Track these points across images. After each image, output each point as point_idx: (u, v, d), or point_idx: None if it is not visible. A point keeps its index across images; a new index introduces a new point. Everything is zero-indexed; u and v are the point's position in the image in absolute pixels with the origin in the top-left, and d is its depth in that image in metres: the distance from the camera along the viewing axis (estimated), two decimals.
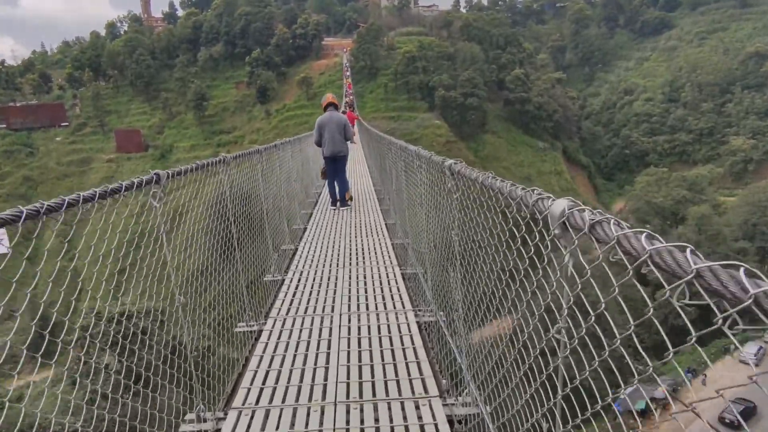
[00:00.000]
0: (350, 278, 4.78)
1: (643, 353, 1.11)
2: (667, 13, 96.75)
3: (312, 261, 5.43)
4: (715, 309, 0.70)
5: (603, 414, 1.38)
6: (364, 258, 5.38)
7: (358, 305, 4.09)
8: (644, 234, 0.92)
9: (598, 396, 1.25)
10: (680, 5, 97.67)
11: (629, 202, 50.88)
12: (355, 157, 17.27)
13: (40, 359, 1.58)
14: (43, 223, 1.56)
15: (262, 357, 3.24)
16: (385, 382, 2.87)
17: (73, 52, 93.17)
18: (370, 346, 3.38)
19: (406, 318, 3.73)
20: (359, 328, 3.66)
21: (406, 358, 3.14)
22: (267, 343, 3.49)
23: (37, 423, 2.02)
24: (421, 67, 67.25)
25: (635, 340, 1.03)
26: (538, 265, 1.56)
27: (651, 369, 1.02)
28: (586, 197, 65.27)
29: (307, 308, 4.10)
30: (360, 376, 2.95)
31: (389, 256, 5.45)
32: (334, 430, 2.50)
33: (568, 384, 1.41)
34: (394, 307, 4.07)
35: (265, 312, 4.24)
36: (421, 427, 2.48)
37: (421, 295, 4.24)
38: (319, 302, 4.21)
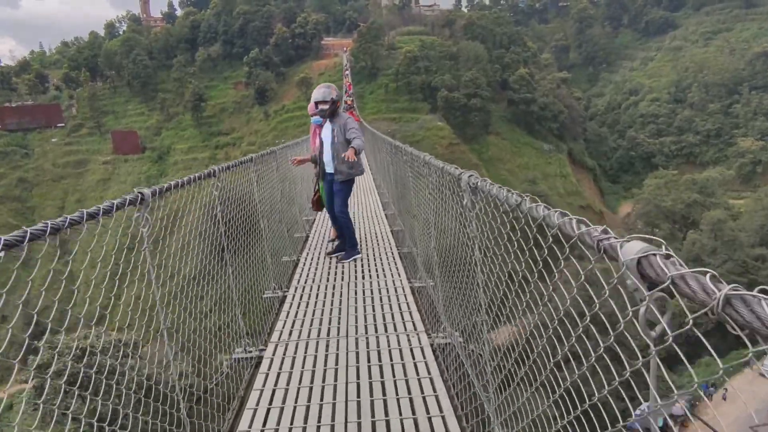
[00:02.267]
0: None
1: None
2: (672, 13, 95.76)
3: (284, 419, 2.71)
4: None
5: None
6: (384, 391, 2.84)
7: None
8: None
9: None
10: (684, 5, 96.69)
11: (637, 206, 49.59)
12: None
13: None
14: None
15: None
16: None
17: (71, 52, 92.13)
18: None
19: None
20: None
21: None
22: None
23: None
24: (423, 67, 65.94)
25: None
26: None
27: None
28: (592, 200, 64.08)
29: None
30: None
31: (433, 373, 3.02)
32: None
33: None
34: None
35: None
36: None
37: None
38: None
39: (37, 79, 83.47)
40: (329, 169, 5.42)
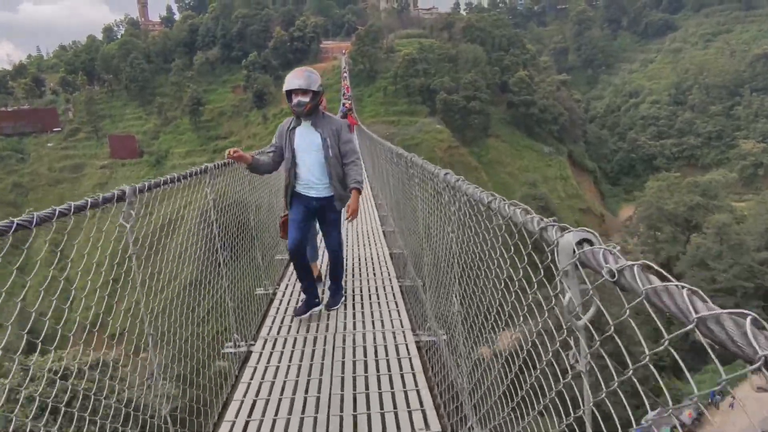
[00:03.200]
0: None
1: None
2: (671, 15, 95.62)
3: None
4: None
5: None
6: None
7: None
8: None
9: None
10: (683, 7, 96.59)
11: (639, 209, 49.15)
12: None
13: None
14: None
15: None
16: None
17: (68, 55, 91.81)
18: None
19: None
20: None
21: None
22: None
23: None
24: (422, 69, 65.57)
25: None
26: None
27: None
28: (592, 203, 63.60)
29: None
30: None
31: None
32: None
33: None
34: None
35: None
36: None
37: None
38: None
39: (34, 83, 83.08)
40: (318, 191, 3.69)
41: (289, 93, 3.58)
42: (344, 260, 4.28)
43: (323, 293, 4.27)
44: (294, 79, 3.54)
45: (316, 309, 3.90)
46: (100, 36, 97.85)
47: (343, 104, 35.50)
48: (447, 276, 2.76)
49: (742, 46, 76.63)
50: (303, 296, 3.99)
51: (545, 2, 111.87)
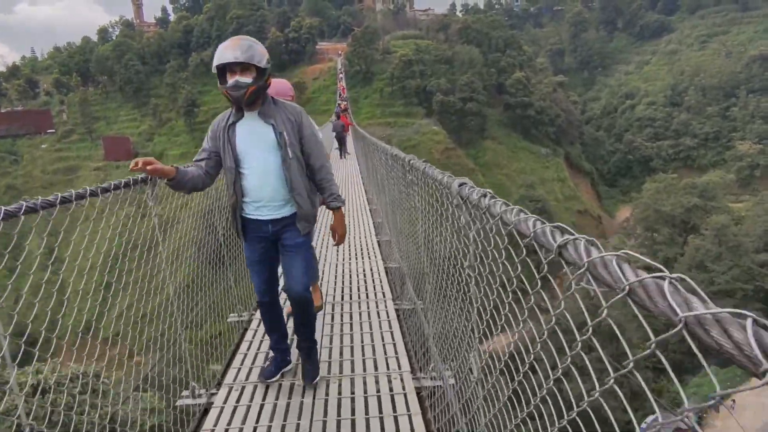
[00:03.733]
0: None
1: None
2: (666, 16, 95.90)
3: None
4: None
5: None
6: None
7: None
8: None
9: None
10: (679, 9, 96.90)
11: (636, 210, 49.06)
12: (349, 176, 14.55)
13: None
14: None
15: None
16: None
17: (62, 57, 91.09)
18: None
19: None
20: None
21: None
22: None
23: None
24: (418, 71, 65.35)
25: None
26: None
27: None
28: (590, 204, 63.48)
29: None
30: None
31: None
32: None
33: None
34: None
35: None
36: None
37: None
38: None
39: (27, 85, 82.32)
40: (272, 210, 2.57)
41: (223, 71, 2.36)
42: (314, 315, 2.86)
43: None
44: (227, 51, 2.29)
45: (287, 368, 2.95)
46: (95, 37, 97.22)
47: (338, 104, 35.12)
48: (461, 320, 2.07)
49: (738, 47, 76.79)
50: (271, 353, 3.01)
51: (541, 4, 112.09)
